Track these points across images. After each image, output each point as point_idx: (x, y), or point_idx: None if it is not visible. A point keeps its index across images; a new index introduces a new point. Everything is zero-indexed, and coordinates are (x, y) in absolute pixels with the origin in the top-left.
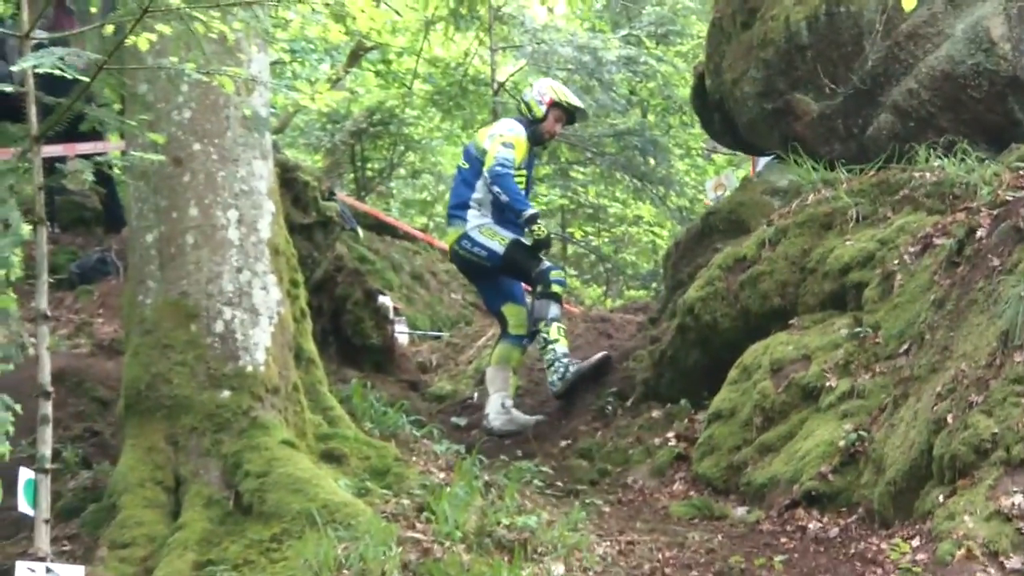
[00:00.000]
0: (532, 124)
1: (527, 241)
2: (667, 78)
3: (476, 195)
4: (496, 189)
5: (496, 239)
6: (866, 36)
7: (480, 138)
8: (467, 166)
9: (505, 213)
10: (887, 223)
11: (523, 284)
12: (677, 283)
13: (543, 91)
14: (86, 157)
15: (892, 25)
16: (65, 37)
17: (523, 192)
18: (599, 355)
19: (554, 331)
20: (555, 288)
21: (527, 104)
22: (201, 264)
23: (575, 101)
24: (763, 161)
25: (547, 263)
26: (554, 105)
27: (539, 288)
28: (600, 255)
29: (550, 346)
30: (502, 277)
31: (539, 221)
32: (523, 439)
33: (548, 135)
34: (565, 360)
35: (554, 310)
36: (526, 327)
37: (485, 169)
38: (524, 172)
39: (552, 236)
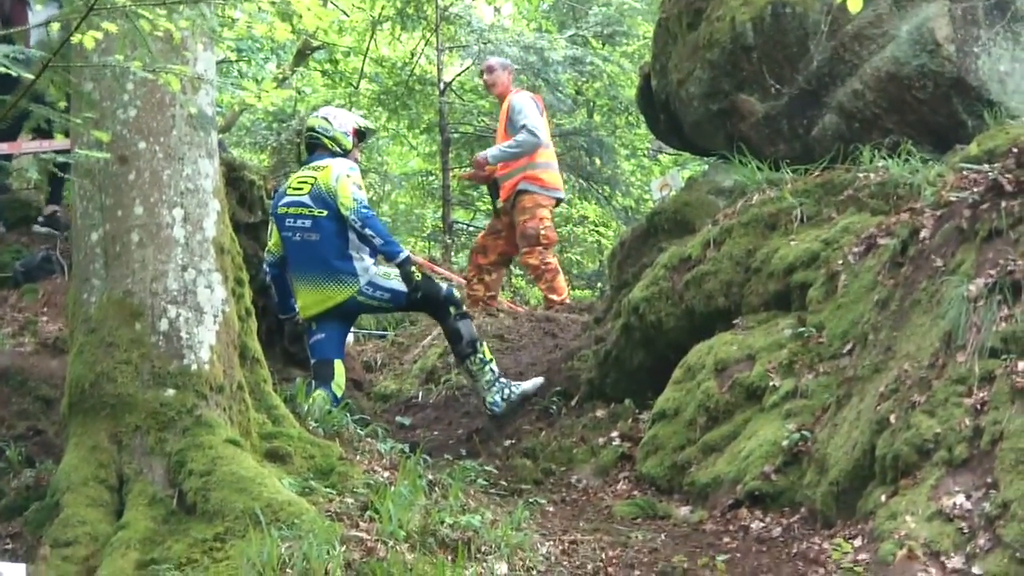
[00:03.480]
0: (345, 157)
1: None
2: (613, 78)
3: (351, 242)
4: (368, 232)
5: (394, 279)
6: (811, 37)
7: (323, 179)
8: (324, 213)
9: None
10: (831, 223)
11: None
12: (622, 283)
13: (345, 122)
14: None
15: (837, 26)
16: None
17: None
18: (539, 380)
19: (487, 350)
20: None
21: (334, 139)
22: (146, 262)
23: (367, 123)
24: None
25: (442, 283)
26: (355, 133)
27: (453, 310)
28: None
29: (487, 366)
30: (347, 327)
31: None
32: (466, 438)
33: (355, 163)
34: (504, 380)
35: (474, 329)
36: (343, 389)
37: (349, 211)
38: None
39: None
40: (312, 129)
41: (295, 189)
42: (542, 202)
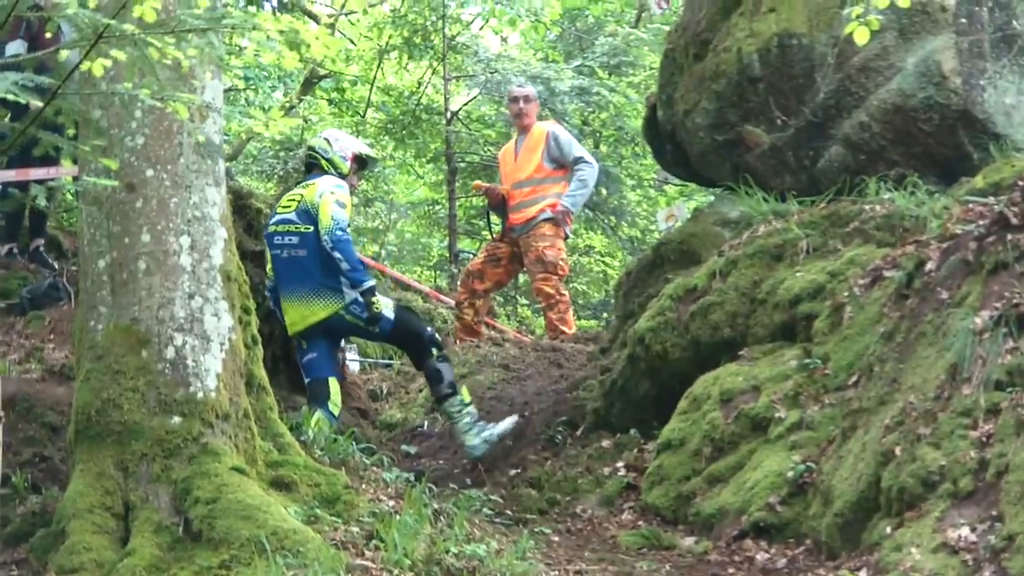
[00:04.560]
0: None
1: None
2: (619, 109)
3: None
4: (337, 255)
5: (384, 306)
6: (818, 69)
7: (308, 196)
8: (310, 228)
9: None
10: (837, 255)
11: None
12: (628, 313)
13: (345, 145)
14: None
15: (844, 58)
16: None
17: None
18: (513, 419)
19: (467, 393)
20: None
21: (331, 161)
22: (153, 290)
23: (369, 151)
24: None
25: (427, 327)
26: (355, 158)
27: (435, 351)
28: None
29: (466, 409)
30: (336, 345)
31: (377, 295)
32: (471, 468)
33: (352, 190)
34: (481, 423)
35: (453, 372)
36: (339, 407)
37: (324, 231)
38: None
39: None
40: (312, 148)
41: (284, 207)
42: (560, 234)
